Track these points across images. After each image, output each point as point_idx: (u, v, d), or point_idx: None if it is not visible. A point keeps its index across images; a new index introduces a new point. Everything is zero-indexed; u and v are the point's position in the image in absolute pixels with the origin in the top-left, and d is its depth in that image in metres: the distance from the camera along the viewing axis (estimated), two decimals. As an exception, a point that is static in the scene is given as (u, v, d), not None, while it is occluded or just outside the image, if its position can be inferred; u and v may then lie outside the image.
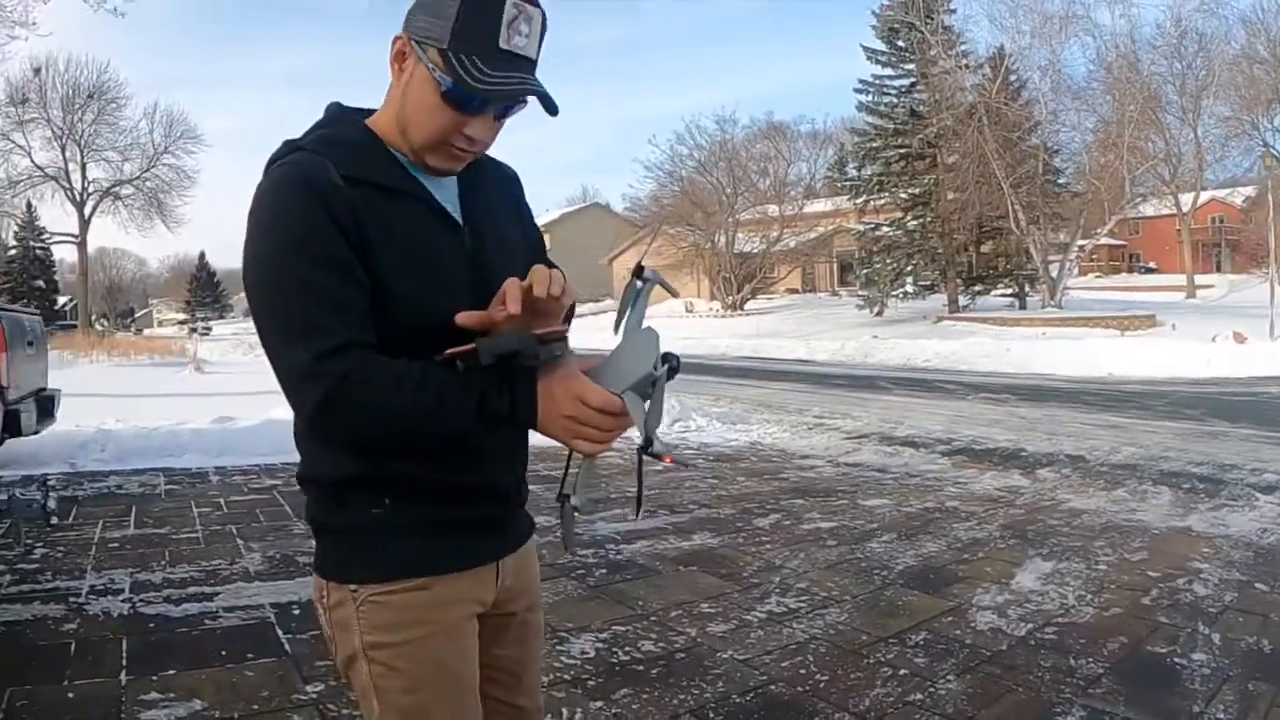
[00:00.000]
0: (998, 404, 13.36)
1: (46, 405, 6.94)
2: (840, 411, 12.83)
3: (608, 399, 1.41)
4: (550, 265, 1.78)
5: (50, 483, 6.32)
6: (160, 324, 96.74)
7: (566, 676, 3.70)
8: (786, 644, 4.07)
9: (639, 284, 1.53)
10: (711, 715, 3.38)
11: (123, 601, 4.67)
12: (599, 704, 3.46)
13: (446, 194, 1.62)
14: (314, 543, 1.65)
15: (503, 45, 1.47)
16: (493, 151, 1.65)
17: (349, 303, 1.45)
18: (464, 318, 1.38)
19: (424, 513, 1.57)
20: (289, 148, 1.56)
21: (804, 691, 3.57)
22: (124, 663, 3.85)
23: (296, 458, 1.65)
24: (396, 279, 1.50)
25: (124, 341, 36.33)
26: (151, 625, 4.34)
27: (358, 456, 1.54)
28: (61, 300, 71.06)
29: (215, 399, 12.68)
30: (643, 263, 1.58)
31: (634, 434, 1.47)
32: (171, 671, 3.74)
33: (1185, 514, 6.36)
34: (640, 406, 1.44)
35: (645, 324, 1.55)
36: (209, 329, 67.26)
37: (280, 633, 4.25)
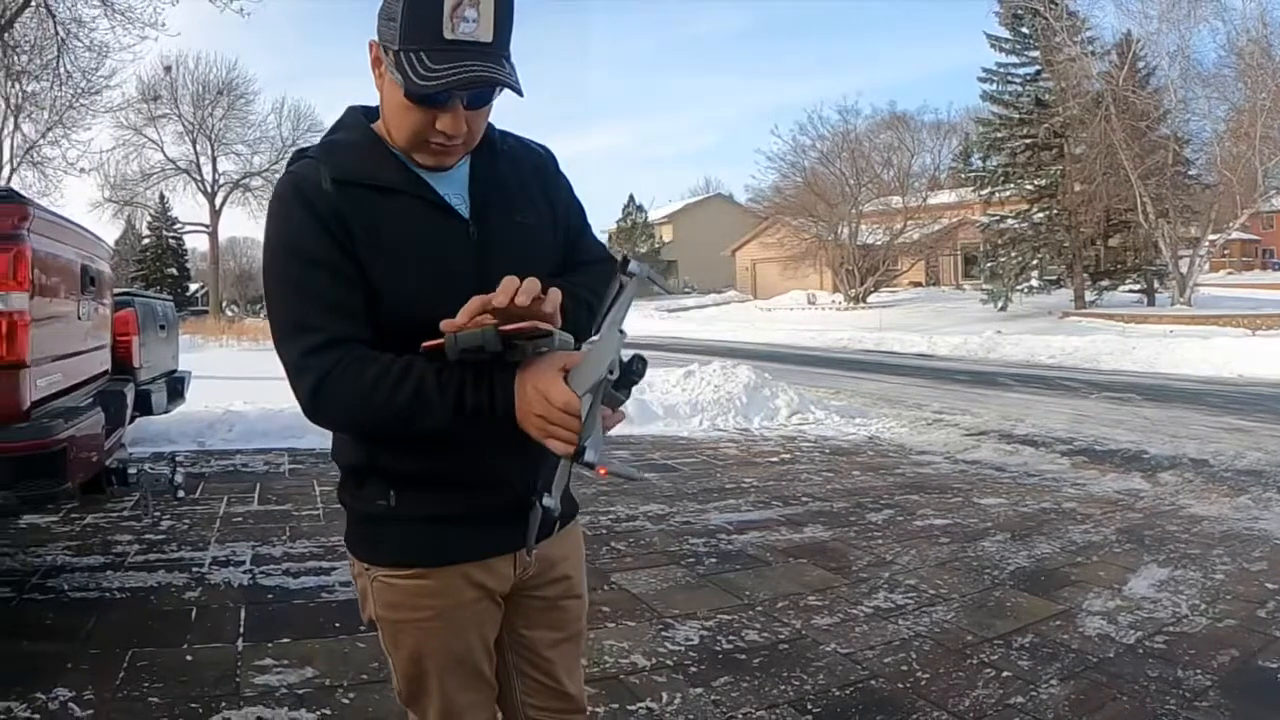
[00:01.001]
0: (1121, 403, 12.95)
1: (177, 386, 7.18)
2: (960, 407, 12.58)
3: (569, 399, 1.39)
4: (596, 244, 1.86)
5: (178, 459, 6.56)
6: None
7: (669, 662, 3.73)
8: (890, 640, 4.04)
9: (623, 278, 1.43)
10: (810, 707, 3.36)
11: (243, 573, 4.86)
12: (699, 690, 3.48)
13: (454, 186, 1.64)
14: None
15: (448, 35, 1.45)
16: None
17: (339, 302, 1.52)
18: (446, 325, 1.38)
19: (429, 506, 1.63)
20: (296, 156, 1.66)
21: (904, 688, 3.53)
22: (241, 630, 4.02)
23: None
24: (387, 278, 1.54)
25: (253, 327, 37.28)
26: (269, 596, 4.52)
27: (367, 447, 1.63)
28: (193, 287, 73.31)
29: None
30: (629, 255, 1.49)
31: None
32: (286, 640, 3.89)
33: (1312, 524, 6.09)
34: (589, 411, 1.40)
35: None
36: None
37: (392, 608, 4.35)
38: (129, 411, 5.48)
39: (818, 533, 5.88)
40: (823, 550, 5.48)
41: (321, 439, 8.96)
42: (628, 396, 1.45)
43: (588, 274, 1.73)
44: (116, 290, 6.10)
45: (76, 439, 3.78)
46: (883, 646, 3.95)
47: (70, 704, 3.24)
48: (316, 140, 1.71)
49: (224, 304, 57.65)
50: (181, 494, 6.30)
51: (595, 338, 1.43)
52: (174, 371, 7.54)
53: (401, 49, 1.46)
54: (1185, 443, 9.28)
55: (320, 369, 1.49)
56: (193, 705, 3.27)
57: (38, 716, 3.14)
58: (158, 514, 6.02)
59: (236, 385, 12.03)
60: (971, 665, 3.74)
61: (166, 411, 6.96)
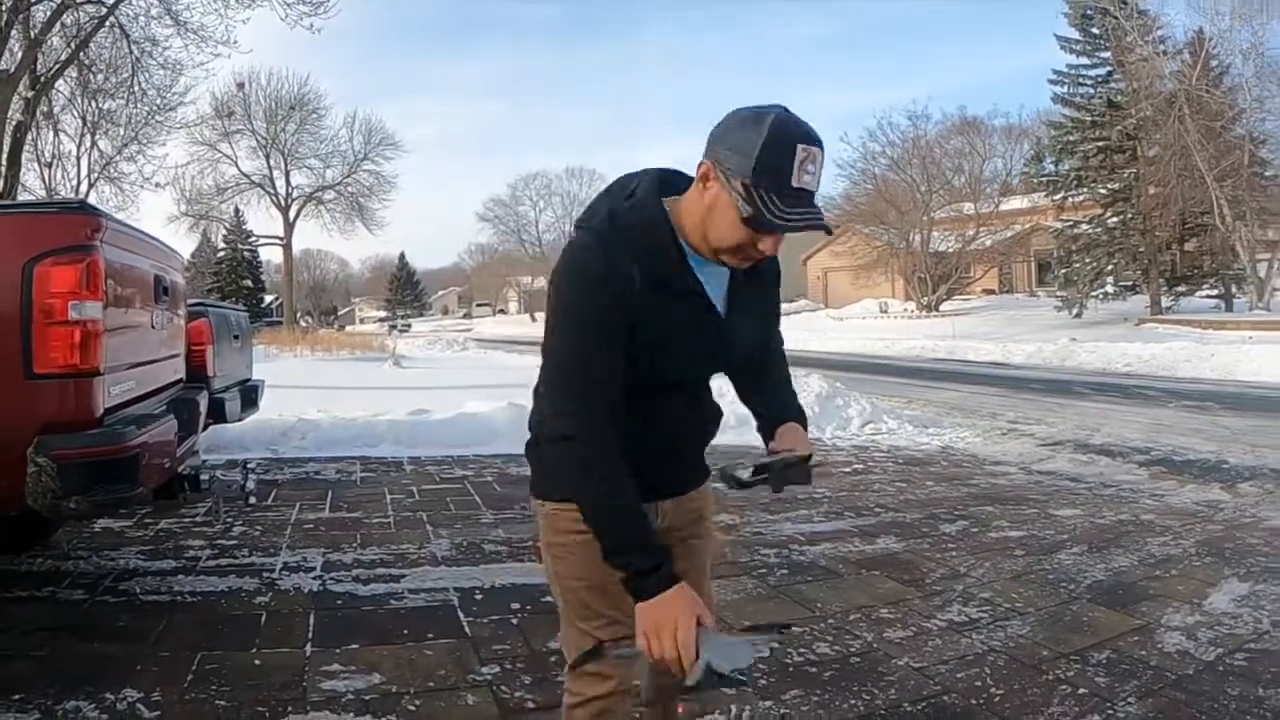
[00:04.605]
0: (1200, 412, 12.60)
1: (250, 395, 7.28)
2: (1035, 417, 12.36)
3: (687, 655, 1.72)
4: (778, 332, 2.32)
5: (250, 465, 6.64)
6: (361, 321, 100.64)
7: (738, 674, 3.68)
8: (964, 654, 3.95)
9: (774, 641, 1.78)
10: (881, 722, 3.31)
11: (313, 579, 4.91)
12: (768, 703, 3.42)
13: (717, 286, 1.99)
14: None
15: (794, 184, 1.76)
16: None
17: (609, 372, 1.86)
18: None
19: None
20: (590, 218, 1.95)
21: (977, 704, 3.45)
22: (310, 635, 4.06)
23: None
24: (652, 355, 1.91)
25: (326, 337, 37.89)
26: (339, 602, 4.56)
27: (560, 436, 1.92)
28: (268, 299, 74.61)
29: (412, 392, 13.22)
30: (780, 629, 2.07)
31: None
32: (354, 646, 3.92)
33: (1400, 538, 5.82)
34: (694, 672, 1.70)
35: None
36: (408, 326, 69.67)
37: (462, 615, 4.41)
38: (202, 419, 5.56)
39: (890, 544, 5.80)
40: (895, 562, 5.40)
41: (394, 448, 9.11)
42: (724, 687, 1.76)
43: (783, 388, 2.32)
44: (191, 301, 6.20)
45: (149, 445, 3.82)
46: (956, 661, 3.87)
47: (138, 705, 3.28)
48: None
49: (298, 315, 58.51)
50: (253, 500, 6.38)
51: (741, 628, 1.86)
52: (248, 380, 7.64)
53: (753, 184, 1.75)
54: (1266, 453, 8.99)
55: (573, 430, 1.85)
56: (259, 709, 3.30)
57: (105, 716, 3.19)
58: (230, 520, 6.10)
59: (310, 394, 12.21)
60: (1047, 681, 3.65)
61: (240, 419, 7.06)
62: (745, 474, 2.11)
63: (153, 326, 4.64)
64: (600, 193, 2.03)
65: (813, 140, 1.79)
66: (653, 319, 1.88)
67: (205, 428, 5.82)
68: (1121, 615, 4.42)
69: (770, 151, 1.74)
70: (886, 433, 10.85)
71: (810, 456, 2.12)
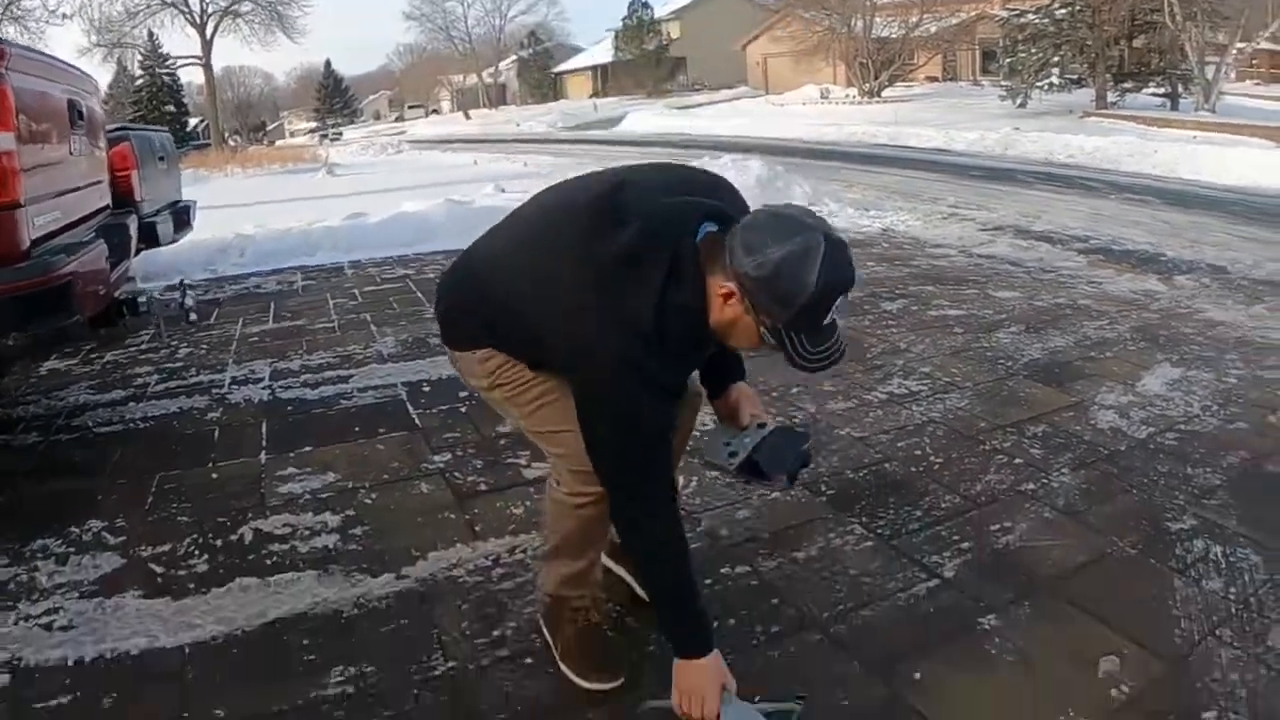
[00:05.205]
0: (1140, 205, 12.54)
1: (182, 216, 7.10)
2: (976, 203, 12.32)
3: (711, 715, 1.98)
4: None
5: (186, 282, 6.55)
6: (292, 135, 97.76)
7: (687, 446, 3.76)
8: (904, 425, 4.08)
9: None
10: (824, 489, 3.43)
11: (263, 389, 4.95)
12: (714, 473, 3.49)
13: None
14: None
15: (824, 323, 1.83)
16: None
17: (667, 459, 2.05)
18: None
19: None
20: (633, 315, 1.90)
21: (917, 472, 3.59)
22: (263, 444, 4.11)
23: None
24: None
25: (257, 154, 36.89)
26: (289, 409, 4.60)
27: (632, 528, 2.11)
28: (193, 122, 71.91)
29: (348, 198, 13.06)
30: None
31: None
32: (307, 449, 3.99)
33: (1327, 337, 5.92)
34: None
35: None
36: (340, 134, 67.84)
37: (411, 409, 4.49)
38: (134, 243, 5.44)
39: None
40: (837, 336, 5.46)
41: (333, 254, 9.03)
42: None
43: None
44: (111, 126, 5.99)
45: (81, 272, 3.75)
46: (896, 431, 4.00)
47: (103, 533, 3.30)
48: None
49: (225, 135, 56.79)
50: (194, 318, 6.30)
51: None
52: (178, 202, 7.46)
53: (785, 328, 1.84)
54: (1204, 248, 8.97)
55: (649, 525, 2.01)
56: (220, 520, 3.35)
57: (72, 549, 3.20)
58: (174, 342, 6.07)
59: (244, 211, 12.02)
60: (984, 451, 3.78)
61: (175, 241, 6.93)
62: (731, 465, 2.27)
63: (72, 153, 4.49)
64: (638, 240, 1.94)
65: (852, 281, 1.84)
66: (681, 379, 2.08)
67: (138, 252, 5.72)
68: (1057, 392, 4.54)
69: (812, 306, 1.79)
70: (828, 215, 10.61)
71: (794, 428, 2.30)
